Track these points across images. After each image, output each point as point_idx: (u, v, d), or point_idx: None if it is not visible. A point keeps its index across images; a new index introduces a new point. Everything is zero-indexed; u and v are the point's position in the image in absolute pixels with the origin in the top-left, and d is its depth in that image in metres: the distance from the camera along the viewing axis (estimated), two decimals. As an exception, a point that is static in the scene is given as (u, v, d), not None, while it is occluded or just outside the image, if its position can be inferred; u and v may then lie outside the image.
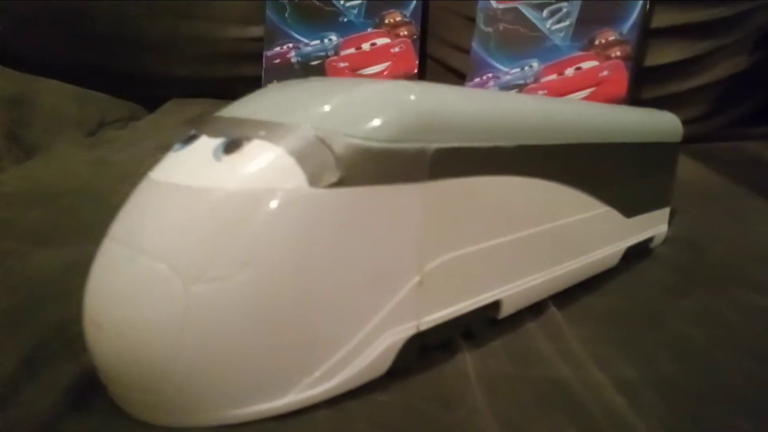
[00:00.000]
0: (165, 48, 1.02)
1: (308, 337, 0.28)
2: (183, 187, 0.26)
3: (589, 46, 0.85)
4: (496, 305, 0.37)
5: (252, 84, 0.98)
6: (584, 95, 0.84)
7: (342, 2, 0.97)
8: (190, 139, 0.29)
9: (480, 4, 0.91)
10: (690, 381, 0.34)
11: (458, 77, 0.95)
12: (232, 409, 0.27)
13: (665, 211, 0.56)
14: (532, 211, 0.38)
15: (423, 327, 0.32)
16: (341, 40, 0.97)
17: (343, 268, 0.28)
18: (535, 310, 0.40)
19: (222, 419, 0.27)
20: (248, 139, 0.27)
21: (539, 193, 0.38)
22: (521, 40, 0.88)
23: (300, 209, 0.26)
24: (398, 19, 0.95)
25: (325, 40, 0.97)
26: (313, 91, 0.31)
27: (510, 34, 0.89)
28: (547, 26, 0.87)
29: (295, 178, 0.26)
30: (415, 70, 0.95)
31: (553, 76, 0.86)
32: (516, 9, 0.89)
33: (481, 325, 0.37)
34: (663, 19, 0.86)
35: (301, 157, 0.26)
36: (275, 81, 0.98)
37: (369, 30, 0.96)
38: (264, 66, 0.99)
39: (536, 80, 0.87)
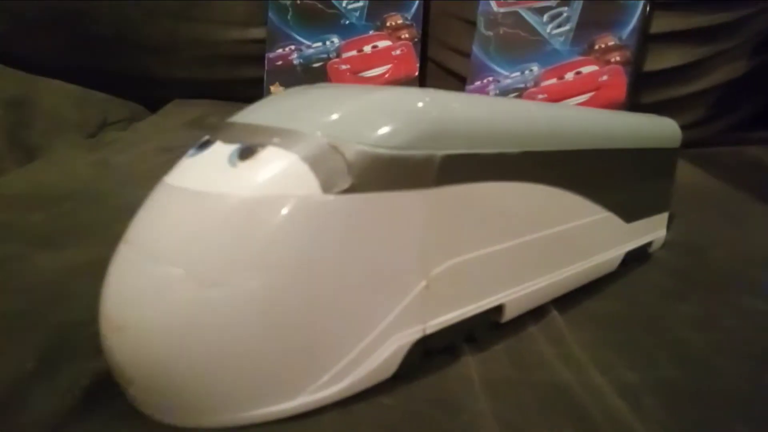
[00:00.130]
0: (166, 49, 1.02)
1: (319, 340, 0.28)
2: (199, 193, 0.27)
3: (589, 50, 0.85)
4: (499, 309, 0.37)
5: (253, 86, 0.99)
6: (584, 100, 0.85)
7: (344, 4, 0.97)
8: (204, 145, 0.30)
9: (481, 7, 0.92)
10: (690, 385, 0.34)
11: (459, 80, 0.96)
12: (245, 411, 0.27)
13: (664, 216, 0.56)
14: (535, 217, 0.39)
15: (429, 331, 0.32)
16: (343, 42, 0.97)
17: (353, 272, 0.29)
18: (536, 314, 0.41)
19: (235, 420, 0.27)
20: (263, 145, 0.28)
21: (542, 199, 0.39)
22: (521, 44, 0.89)
23: (313, 215, 0.27)
24: (399, 21, 0.96)
25: (327, 43, 0.98)
26: (325, 99, 0.32)
27: (510, 38, 0.90)
28: (548, 30, 0.88)
29: (309, 184, 0.27)
30: (416, 73, 0.96)
31: (553, 80, 0.87)
32: (516, 13, 0.90)
33: (484, 329, 0.37)
34: (662, 24, 0.86)
35: (315, 163, 0.27)
36: (277, 83, 0.99)
37: (370, 32, 0.97)
38: (266, 68, 0.99)
39: (536, 84, 0.88)
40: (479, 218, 0.34)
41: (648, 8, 0.84)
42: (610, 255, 0.48)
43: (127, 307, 0.26)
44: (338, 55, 0.98)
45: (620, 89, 0.83)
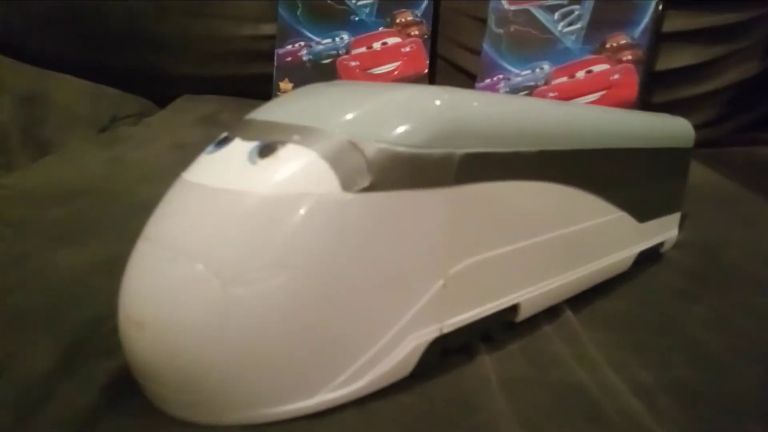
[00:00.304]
0: (177, 46, 1.02)
1: (339, 339, 0.28)
2: (220, 190, 0.27)
3: (601, 49, 0.85)
4: (514, 309, 0.37)
5: (262, 82, 0.99)
6: (595, 98, 0.85)
7: (354, 1, 0.97)
8: (223, 142, 0.30)
9: (491, 5, 0.92)
10: (704, 385, 0.34)
11: (469, 78, 0.95)
12: (265, 408, 0.28)
13: (676, 216, 0.56)
14: (551, 216, 0.39)
15: (446, 330, 0.32)
16: (353, 39, 0.97)
17: (372, 271, 0.29)
18: (550, 313, 0.41)
19: (255, 418, 0.27)
20: (282, 143, 0.28)
21: (558, 198, 0.39)
22: (532, 42, 0.89)
23: (333, 213, 0.27)
24: (409, 18, 0.96)
25: (337, 39, 0.98)
26: (344, 97, 0.31)
27: (521, 35, 0.89)
28: (559, 28, 0.88)
29: (329, 182, 0.27)
30: (426, 70, 0.96)
31: (564, 79, 0.87)
32: (528, 11, 0.89)
33: (500, 329, 0.37)
34: (675, 23, 0.86)
35: (335, 161, 0.27)
36: (286, 79, 0.99)
37: (380, 29, 0.97)
38: (275, 64, 0.99)
39: (547, 82, 0.87)
40: (496, 217, 0.34)
41: (660, 7, 0.84)
42: (624, 255, 0.48)
43: (148, 304, 0.26)
44: (348, 52, 0.98)
45: (632, 88, 0.83)
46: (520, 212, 0.36)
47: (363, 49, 0.97)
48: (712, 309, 0.44)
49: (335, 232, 0.27)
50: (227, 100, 0.99)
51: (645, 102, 0.86)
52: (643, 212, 0.49)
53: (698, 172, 0.73)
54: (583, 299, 0.44)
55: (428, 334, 0.32)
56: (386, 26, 0.97)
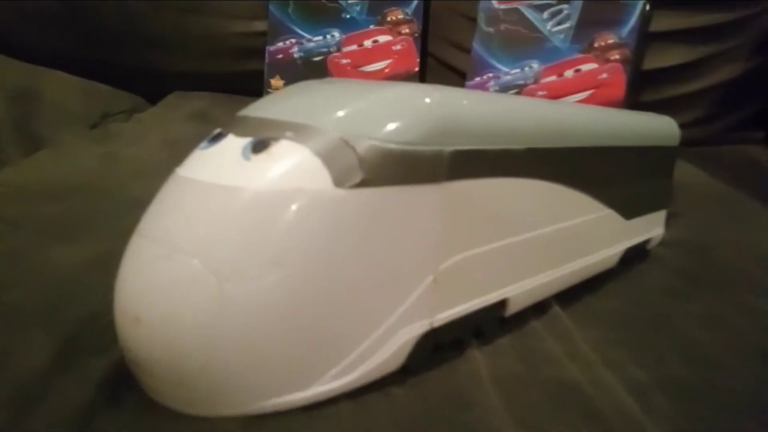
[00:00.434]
0: (169, 42, 1.02)
1: (332, 333, 0.29)
2: (214, 186, 0.27)
3: (589, 48, 0.86)
4: (503, 304, 0.38)
5: (255, 79, 0.99)
6: (583, 97, 0.86)
7: (345, -1, 0.98)
8: (216, 138, 0.30)
9: (481, 4, 0.92)
10: (698, 383, 0.35)
11: (459, 76, 0.96)
12: (260, 401, 0.28)
13: (662, 214, 0.57)
14: (538, 213, 0.39)
15: (436, 324, 0.33)
16: (343, 36, 0.98)
17: (365, 266, 0.29)
18: (541, 311, 0.41)
19: (251, 410, 0.28)
20: (276, 139, 0.28)
21: (546, 195, 0.39)
22: (522, 41, 0.89)
23: (326, 209, 0.27)
24: (400, 16, 0.96)
25: (328, 37, 0.98)
26: (336, 94, 0.32)
27: (511, 34, 0.90)
28: (548, 28, 0.88)
29: (322, 178, 0.27)
30: (416, 69, 0.96)
31: (553, 78, 0.87)
32: (517, 10, 0.90)
33: (490, 324, 0.38)
34: (663, 23, 0.87)
35: (327, 157, 0.28)
36: (277, 76, 0.99)
37: (371, 27, 0.97)
38: (266, 61, 0.99)
39: (536, 81, 0.88)
40: (486, 214, 0.35)
41: (648, 7, 0.85)
42: (610, 251, 0.49)
43: (144, 300, 0.27)
44: (339, 50, 0.98)
45: (619, 87, 0.84)
46: (509, 209, 0.36)
47: (354, 47, 0.98)
48: (703, 307, 0.44)
49: (327, 228, 0.27)
50: (219, 97, 0.99)
51: (634, 101, 0.87)
52: (629, 209, 0.49)
53: (687, 171, 0.74)
54: (574, 297, 0.44)
55: (419, 328, 0.32)
56: (377, 24, 0.97)
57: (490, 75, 0.91)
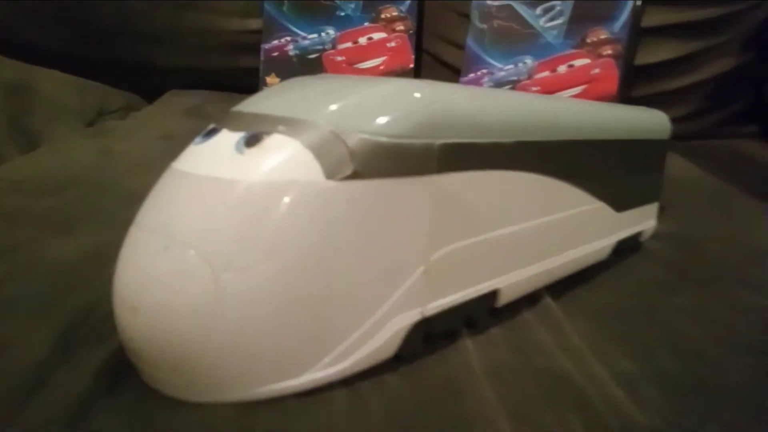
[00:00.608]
0: (164, 39, 1.02)
1: (324, 321, 0.30)
2: (209, 178, 0.28)
3: (582, 44, 0.87)
4: (494, 294, 0.39)
5: (250, 76, 1.00)
6: (576, 92, 0.86)
7: (339, -4, 0.98)
8: (210, 133, 0.31)
9: (475, 1, 0.93)
10: (686, 375, 0.35)
11: (453, 72, 0.97)
12: (256, 387, 0.29)
13: (654, 206, 0.57)
14: (529, 205, 0.40)
15: (427, 314, 0.34)
16: (338, 34, 0.98)
17: (356, 256, 0.30)
18: (531, 301, 0.42)
19: (246, 396, 0.29)
20: (268, 133, 0.29)
21: (536, 188, 0.40)
22: (515, 37, 0.90)
23: (317, 200, 0.28)
24: (394, 14, 0.97)
25: (323, 34, 0.99)
26: (327, 89, 0.33)
27: (504, 31, 0.91)
28: (541, 24, 0.89)
29: (313, 170, 0.28)
30: (411, 65, 0.97)
31: (546, 73, 0.88)
32: (510, 6, 0.91)
33: (482, 314, 0.38)
34: (655, 18, 0.88)
35: (318, 151, 0.28)
36: (273, 74, 0.99)
37: (366, 24, 0.98)
38: (262, 58, 1.00)
39: (530, 77, 0.89)
40: (476, 206, 0.35)
41: (639, 2, 0.85)
42: (602, 244, 0.49)
43: (142, 290, 0.27)
44: (334, 47, 0.98)
45: (612, 82, 0.85)
46: (499, 201, 0.37)
47: (349, 44, 0.98)
48: (693, 300, 0.45)
49: (319, 218, 0.28)
50: (214, 94, 1.00)
51: (626, 96, 0.87)
52: (620, 202, 0.50)
53: (679, 165, 0.74)
54: (565, 289, 0.45)
55: (410, 317, 0.33)
56: (372, 21, 0.98)
57: (484, 71, 0.91)
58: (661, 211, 0.58)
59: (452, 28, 0.97)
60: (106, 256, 0.31)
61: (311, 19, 0.99)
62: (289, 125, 0.29)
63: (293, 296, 0.28)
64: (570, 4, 0.87)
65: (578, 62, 0.87)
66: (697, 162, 0.79)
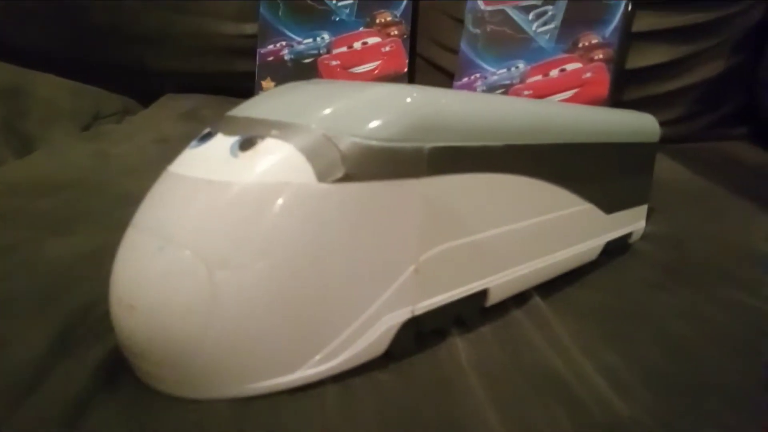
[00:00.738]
0: (160, 43, 1.03)
1: (316, 319, 0.30)
2: (204, 181, 0.29)
3: (573, 48, 0.88)
4: (483, 294, 0.39)
5: (245, 80, 1.01)
6: (568, 96, 0.87)
7: (334, 1, 0.99)
8: (206, 137, 0.31)
9: (468, 5, 0.94)
10: (672, 371, 0.36)
11: (447, 76, 0.98)
12: (249, 383, 0.29)
13: (643, 208, 0.58)
14: (518, 207, 0.40)
15: (417, 312, 0.34)
16: (333, 38, 0.99)
17: (348, 256, 0.31)
18: (521, 300, 0.42)
19: (240, 392, 0.29)
20: (262, 137, 0.30)
21: (525, 190, 0.40)
22: (508, 42, 0.91)
23: (310, 202, 0.29)
24: (389, 18, 0.98)
25: (318, 39, 0.99)
26: (320, 94, 0.33)
27: (497, 35, 0.92)
28: (533, 28, 0.90)
29: (305, 173, 0.29)
30: (405, 69, 0.98)
31: (539, 77, 0.89)
32: (503, 11, 0.92)
33: (471, 313, 0.39)
34: (645, 23, 0.89)
35: (311, 154, 0.29)
36: (268, 78, 1.00)
37: (360, 29, 0.99)
38: (257, 63, 1.01)
39: (522, 81, 0.90)
40: (466, 207, 0.36)
41: (630, 7, 0.86)
42: (591, 244, 0.50)
43: (139, 288, 0.28)
44: (329, 51, 0.99)
45: (603, 86, 0.86)
46: (489, 203, 0.38)
47: (344, 49, 0.99)
48: (681, 299, 0.45)
49: (311, 219, 0.29)
50: (210, 98, 1.00)
51: (617, 99, 0.88)
52: (609, 204, 0.51)
53: (668, 167, 0.75)
54: (554, 288, 0.45)
55: (401, 315, 0.34)
56: (366, 26, 0.99)
57: (477, 75, 0.92)
58: (651, 213, 0.59)
59: (446, 33, 0.98)
60: (102, 256, 0.31)
61: (306, 23, 1.00)
62: (283, 129, 0.30)
63: (286, 295, 0.29)
64: (562, 9, 0.88)
65: (570, 66, 0.88)
66: (687, 164, 0.80)
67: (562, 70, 0.88)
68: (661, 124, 0.57)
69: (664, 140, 0.57)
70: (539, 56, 0.89)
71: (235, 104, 0.34)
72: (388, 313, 0.33)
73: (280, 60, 1.00)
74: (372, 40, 0.98)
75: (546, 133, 0.42)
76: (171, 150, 0.33)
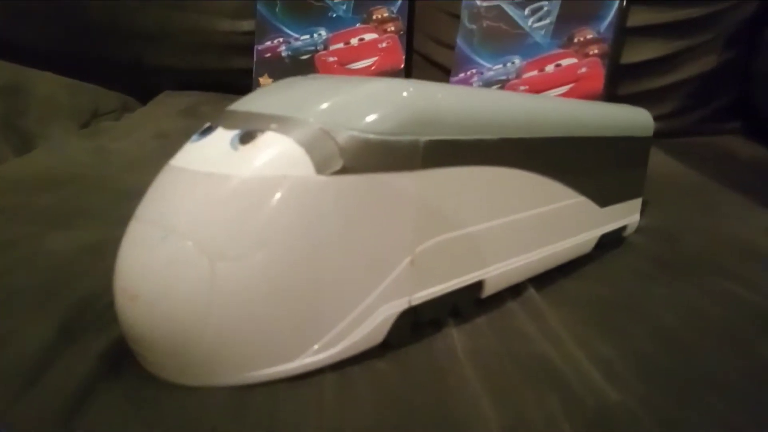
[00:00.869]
0: (157, 40, 1.03)
1: (315, 309, 0.31)
2: (205, 174, 0.29)
3: (569, 43, 0.88)
4: (479, 285, 0.40)
5: (242, 76, 1.01)
6: (563, 91, 0.88)
7: (331, -2, 0.99)
8: (206, 131, 0.32)
9: (464, 1, 0.94)
10: (663, 359, 0.36)
11: (443, 72, 0.98)
12: (250, 371, 0.30)
13: (637, 202, 0.58)
14: (513, 199, 0.41)
15: (414, 302, 0.35)
16: (330, 35, 1.00)
17: (345, 247, 0.31)
18: (516, 292, 0.43)
19: (241, 380, 0.30)
20: (261, 131, 0.30)
21: (519, 184, 0.41)
22: (504, 37, 0.92)
23: (308, 194, 0.29)
24: (385, 15, 0.98)
25: (315, 35, 1.00)
26: (318, 89, 0.34)
27: (493, 31, 0.92)
28: (529, 24, 0.90)
29: (304, 166, 0.29)
30: (402, 65, 0.98)
31: (534, 73, 0.90)
32: (499, 7, 0.92)
33: (467, 304, 0.40)
34: (639, 18, 0.90)
35: (309, 147, 0.30)
36: (266, 74, 1.01)
37: (357, 25, 0.99)
38: (255, 59, 1.01)
39: (518, 76, 0.90)
40: (461, 200, 0.37)
41: (624, 3, 0.87)
42: (585, 237, 0.50)
43: (141, 278, 0.29)
44: (326, 48, 1.00)
45: (598, 81, 0.86)
46: (484, 195, 0.38)
47: (340, 45, 1.00)
48: (673, 291, 0.46)
49: (310, 211, 0.30)
50: (208, 95, 1.01)
51: (611, 94, 0.89)
52: (604, 197, 0.51)
53: (662, 162, 0.76)
54: (549, 280, 0.46)
55: (398, 306, 0.34)
56: (363, 22, 0.99)
57: (474, 71, 0.93)
58: (645, 206, 0.59)
59: (442, 29, 0.99)
60: (103, 250, 0.32)
61: (303, 20, 1.00)
62: (282, 123, 0.31)
63: (285, 285, 0.30)
64: (557, 5, 0.89)
65: (565, 62, 0.88)
66: (680, 158, 0.80)
67: (558, 66, 0.88)
68: (655, 118, 0.57)
69: (658, 134, 0.58)
70: (535, 52, 0.90)
71: (234, 101, 0.35)
72: (386, 303, 0.34)
73: (277, 57, 1.01)
74: (369, 37, 0.99)
75: (541, 126, 0.42)
76: (170, 146, 0.33)
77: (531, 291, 0.44)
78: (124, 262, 0.30)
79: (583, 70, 0.87)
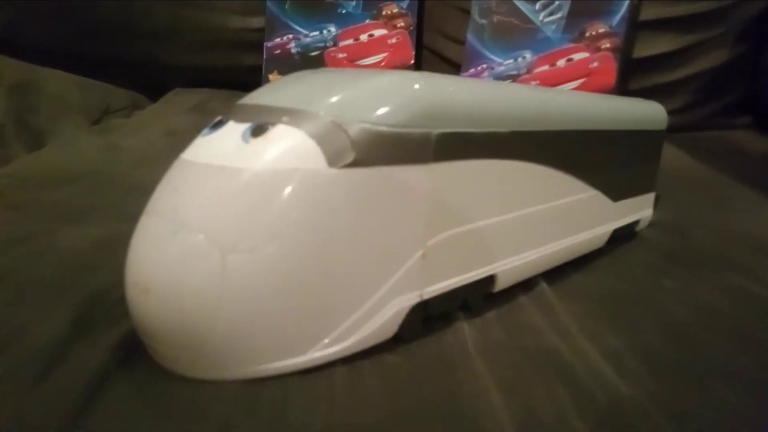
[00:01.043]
0: (167, 38, 1.04)
1: (326, 302, 0.31)
2: (217, 167, 0.29)
3: (580, 38, 0.88)
4: (491, 279, 0.40)
5: (252, 73, 1.01)
6: (575, 86, 0.87)
7: (340, -6, 0.99)
8: (217, 125, 0.32)
9: (474, -2, 0.94)
10: (672, 352, 0.36)
11: (453, 68, 0.98)
12: (261, 364, 0.30)
13: (650, 196, 0.58)
14: (524, 193, 0.41)
15: (425, 296, 0.35)
16: (340, 31, 1.00)
17: (357, 240, 0.31)
18: (527, 286, 0.43)
19: (252, 373, 0.30)
20: (273, 124, 0.30)
21: (532, 176, 0.41)
22: (515, 32, 0.91)
23: (320, 187, 0.29)
24: (395, 10, 0.98)
25: (324, 32, 1.00)
26: (329, 81, 0.34)
27: (504, 26, 0.92)
28: (540, 19, 0.90)
29: (316, 158, 0.29)
30: (412, 61, 0.98)
31: (545, 67, 0.89)
32: (510, 1, 0.92)
33: (477, 298, 0.40)
34: (651, 12, 0.89)
35: (321, 140, 0.30)
36: (276, 71, 1.01)
37: (367, 21, 0.99)
38: (264, 56, 1.01)
39: (529, 71, 0.90)
40: (473, 193, 0.36)
41: (636, -3, 0.87)
42: (598, 232, 0.50)
43: (153, 272, 0.29)
44: (335, 44, 1.00)
45: (610, 75, 0.86)
46: (496, 189, 0.38)
47: (350, 41, 1.00)
48: (684, 285, 0.45)
49: (321, 204, 0.30)
50: (218, 92, 1.01)
51: (623, 88, 0.88)
52: (616, 192, 0.51)
53: (673, 156, 0.75)
54: (559, 274, 0.46)
55: (409, 299, 0.34)
56: (372, 18, 0.99)
57: (484, 66, 0.92)
58: (656, 200, 0.59)
59: (452, 24, 0.99)
60: (115, 245, 0.32)
61: (313, 16, 1.00)
62: (293, 116, 0.30)
63: (296, 278, 0.30)
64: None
65: (577, 56, 0.88)
66: (691, 153, 0.80)
67: (569, 60, 0.88)
68: (666, 112, 0.57)
69: (669, 129, 0.57)
70: (546, 46, 0.89)
71: (242, 97, 0.35)
72: (397, 296, 0.33)
73: (287, 53, 1.01)
74: (378, 32, 0.99)
75: (553, 119, 0.42)
76: (180, 142, 0.33)
77: (542, 285, 0.44)
78: (136, 255, 0.30)
79: (595, 64, 0.86)
